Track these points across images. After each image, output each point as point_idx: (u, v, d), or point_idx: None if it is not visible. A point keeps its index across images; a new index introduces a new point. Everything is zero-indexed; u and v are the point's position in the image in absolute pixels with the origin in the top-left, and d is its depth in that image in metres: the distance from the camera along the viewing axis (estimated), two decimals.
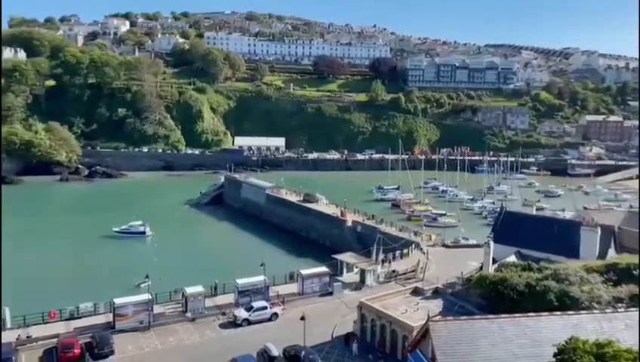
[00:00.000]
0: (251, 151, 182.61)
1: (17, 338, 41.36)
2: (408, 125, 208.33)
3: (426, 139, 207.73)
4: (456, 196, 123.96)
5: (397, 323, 39.81)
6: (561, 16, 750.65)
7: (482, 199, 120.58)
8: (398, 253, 65.03)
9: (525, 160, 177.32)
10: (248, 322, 46.07)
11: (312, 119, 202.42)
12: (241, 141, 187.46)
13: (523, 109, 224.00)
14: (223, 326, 46.28)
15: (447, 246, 72.74)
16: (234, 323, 46.24)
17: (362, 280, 56.37)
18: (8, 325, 43.57)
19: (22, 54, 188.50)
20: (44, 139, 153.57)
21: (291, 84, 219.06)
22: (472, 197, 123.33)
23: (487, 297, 41.79)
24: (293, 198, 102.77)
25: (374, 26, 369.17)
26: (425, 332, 31.05)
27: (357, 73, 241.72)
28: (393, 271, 58.28)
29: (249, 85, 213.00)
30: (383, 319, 41.10)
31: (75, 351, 39.39)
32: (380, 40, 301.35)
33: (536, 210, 68.57)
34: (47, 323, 44.68)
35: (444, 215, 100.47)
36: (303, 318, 39.03)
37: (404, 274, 57.77)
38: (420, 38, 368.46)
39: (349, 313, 47.11)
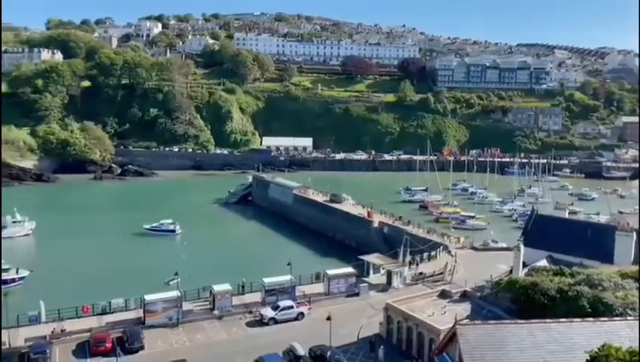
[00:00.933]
0: (279, 152, 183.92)
1: (52, 332, 42.74)
2: (437, 126, 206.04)
3: (455, 140, 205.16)
4: (486, 198, 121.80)
5: (424, 326, 39.48)
6: (597, 15, 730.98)
7: (512, 201, 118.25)
8: (425, 254, 64.25)
9: (558, 162, 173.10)
10: (275, 321, 46.39)
11: (340, 119, 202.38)
12: (269, 141, 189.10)
13: (556, 110, 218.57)
14: (249, 324, 46.74)
15: (475, 249, 71.58)
16: (260, 322, 46.66)
17: (389, 282, 56.03)
18: (43, 319, 45.01)
19: (59, 55, 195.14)
20: (79, 138, 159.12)
21: (319, 85, 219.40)
22: (502, 199, 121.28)
23: (517, 302, 41.04)
24: (319, 198, 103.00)
25: (403, 26, 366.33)
26: (452, 336, 30.71)
27: (385, 73, 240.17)
28: (420, 273, 57.72)
29: (277, 86, 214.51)
30: (410, 321, 40.80)
31: (107, 345, 40.39)
32: (409, 40, 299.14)
33: (569, 213, 67.00)
34: (80, 317, 45.99)
35: (473, 217, 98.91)
36: (329, 318, 39.10)
37: (432, 276, 57.15)
38: (449, 38, 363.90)
39: (375, 314, 46.99)
